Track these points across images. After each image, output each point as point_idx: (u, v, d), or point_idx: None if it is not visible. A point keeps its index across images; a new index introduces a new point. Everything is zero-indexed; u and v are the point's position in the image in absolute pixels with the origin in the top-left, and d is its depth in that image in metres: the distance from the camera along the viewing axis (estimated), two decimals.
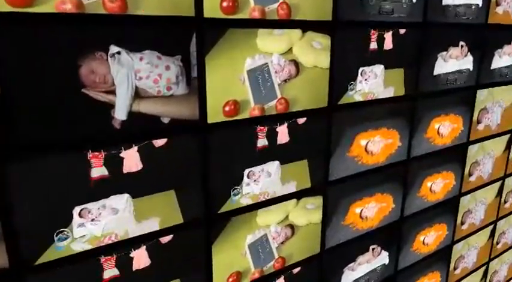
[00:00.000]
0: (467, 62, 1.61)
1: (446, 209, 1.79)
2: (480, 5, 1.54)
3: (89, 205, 0.88)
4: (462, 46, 1.55)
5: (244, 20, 0.98)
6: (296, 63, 1.10)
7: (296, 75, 1.11)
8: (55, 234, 0.85)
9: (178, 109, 0.93)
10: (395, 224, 1.57)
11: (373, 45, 1.26)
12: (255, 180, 1.12)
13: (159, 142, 0.94)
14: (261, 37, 1.02)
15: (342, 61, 1.20)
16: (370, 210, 1.45)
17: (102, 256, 0.93)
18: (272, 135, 1.11)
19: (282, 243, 1.25)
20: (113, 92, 0.85)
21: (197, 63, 0.93)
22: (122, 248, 0.95)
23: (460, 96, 1.64)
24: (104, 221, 0.91)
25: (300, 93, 1.13)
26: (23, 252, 0.82)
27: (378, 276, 1.59)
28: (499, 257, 2.26)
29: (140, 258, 0.98)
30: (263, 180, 1.14)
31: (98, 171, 0.87)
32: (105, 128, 0.86)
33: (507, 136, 1.95)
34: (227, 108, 1.01)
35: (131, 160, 0.91)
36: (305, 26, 1.09)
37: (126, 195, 0.92)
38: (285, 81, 1.09)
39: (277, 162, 1.15)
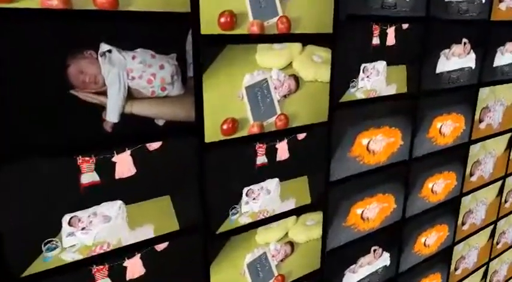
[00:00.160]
0: (469, 60, 1.58)
1: (448, 209, 1.77)
2: (483, 1, 1.50)
3: (79, 213, 0.84)
4: (465, 43, 1.52)
5: (243, 36, 0.95)
6: (296, 78, 1.07)
7: (296, 90, 1.08)
8: (43, 244, 0.80)
9: (173, 110, 0.89)
10: (397, 225, 1.55)
11: (376, 40, 1.22)
12: (254, 199, 1.10)
13: (154, 145, 0.89)
14: (260, 52, 0.99)
15: (343, 57, 1.15)
16: (372, 211, 1.42)
17: (94, 266, 0.88)
18: (271, 152, 1.09)
19: (282, 260, 1.21)
20: (103, 93, 0.80)
21: (194, 74, 0.90)
22: (114, 257, 0.91)
23: (462, 94, 1.62)
24: (95, 230, 0.86)
25: (300, 108, 1.11)
26: (9, 264, 0.78)
27: (379, 278, 1.56)
28: (499, 256, 2.26)
29: (134, 267, 0.94)
30: (262, 198, 1.11)
31: (89, 177, 0.82)
32: (96, 131, 0.81)
33: (508, 135, 1.93)
34: (225, 127, 0.98)
35: (124, 165, 0.86)
36: (305, 39, 1.06)
37: (118, 202, 0.88)
38: (285, 96, 1.06)
39: (276, 180, 1.13)
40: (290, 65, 1.05)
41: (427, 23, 1.34)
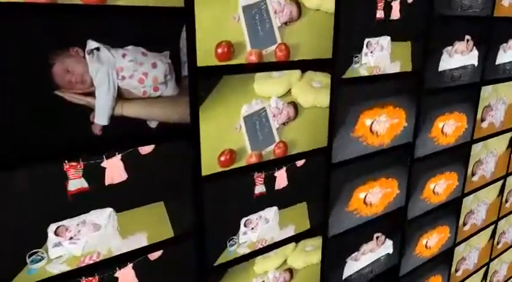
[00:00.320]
0: (472, 57, 1.54)
1: (449, 210, 1.75)
2: None
3: (67, 222, 0.79)
4: (468, 40, 1.47)
5: (241, 66, 0.92)
6: (295, 105, 1.05)
7: (295, 118, 1.06)
8: (27, 255, 0.76)
9: (167, 112, 0.83)
10: (400, 211, 1.50)
11: (380, 13, 1.16)
12: (252, 228, 1.07)
13: (146, 149, 0.85)
14: (258, 81, 0.97)
15: (347, 30, 1.10)
16: (375, 196, 1.38)
17: (83, 278, 0.84)
18: (270, 181, 1.07)
19: None
20: (91, 94, 0.75)
21: (190, 106, 0.87)
22: (105, 268, 0.86)
23: (465, 93, 1.59)
24: (84, 239, 0.81)
25: (299, 135, 1.09)
26: None
27: (381, 267, 1.52)
28: (499, 257, 2.24)
29: (126, 278, 0.89)
30: (261, 227, 1.09)
31: (76, 183, 0.78)
32: (84, 134, 0.77)
33: (510, 134, 1.91)
34: (222, 159, 0.96)
35: (114, 170, 0.81)
36: (305, 65, 1.04)
37: (109, 210, 0.83)
38: (284, 124, 1.04)
39: (275, 208, 1.11)
40: (289, 92, 1.03)
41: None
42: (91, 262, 0.84)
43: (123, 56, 0.75)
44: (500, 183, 1.99)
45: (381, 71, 1.23)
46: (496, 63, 1.66)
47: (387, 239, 1.49)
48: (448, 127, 1.55)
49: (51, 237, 0.77)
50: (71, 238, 0.80)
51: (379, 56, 1.21)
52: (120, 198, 0.84)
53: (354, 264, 1.40)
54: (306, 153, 1.12)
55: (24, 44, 0.67)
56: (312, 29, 1.03)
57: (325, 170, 1.19)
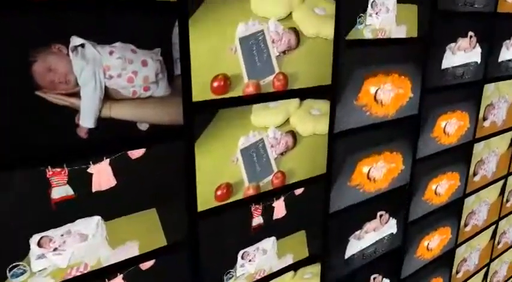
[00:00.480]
0: (475, 55, 1.51)
1: (451, 211, 1.72)
2: None
3: (51, 232, 0.73)
4: (471, 37, 1.43)
5: (238, 99, 0.90)
6: (293, 134, 1.04)
7: (293, 147, 1.04)
8: (8, 269, 0.71)
9: (158, 113, 0.78)
10: (404, 188, 1.45)
11: None
12: (249, 260, 1.05)
13: (136, 153, 0.79)
14: (255, 113, 0.95)
15: None
16: (379, 171, 1.32)
17: None
18: (268, 211, 1.05)
19: None
20: (76, 95, 0.69)
21: (185, 141, 0.85)
22: (94, 279, 0.81)
23: (467, 91, 1.56)
24: (70, 250, 0.76)
25: (298, 164, 1.07)
26: None
27: (385, 247, 1.47)
28: (499, 257, 2.23)
29: None
30: (258, 258, 1.07)
31: (61, 191, 0.72)
32: (68, 138, 0.71)
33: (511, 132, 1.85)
34: (219, 193, 0.94)
35: (102, 176, 0.76)
36: (303, 94, 1.02)
37: (96, 218, 0.78)
38: (282, 154, 1.03)
39: (273, 238, 1.09)
40: (287, 121, 1.02)
41: None
42: (78, 274, 0.79)
43: (111, 53, 0.69)
44: (501, 183, 1.97)
45: (386, 34, 1.17)
46: (499, 60, 1.63)
47: (391, 218, 1.44)
48: (450, 126, 1.52)
49: (34, 249, 0.72)
50: (55, 249, 0.74)
51: (385, 18, 1.15)
52: (108, 206, 0.79)
53: (356, 243, 1.35)
54: (304, 181, 1.10)
55: (1, 40, 0.61)
56: (310, 57, 1.00)
57: (324, 196, 1.18)
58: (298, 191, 1.10)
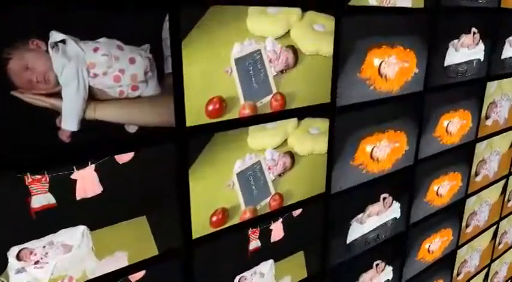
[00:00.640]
0: (478, 52, 1.47)
1: (452, 212, 1.70)
2: None
3: (31, 244, 0.69)
4: (474, 33, 1.38)
5: (233, 121, 0.87)
6: (291, 155, 1.01)
7: (291, 167, 1.01)
8: None
9: (148, 114, 0.72)
10: (409, 170, 1.40)
11: None
12: None
13: (124, 157, 0.74)
14: (252, 135, 0.92)
15: None
16: (382, 150, 1.27)
17: None
18: (265, 234, 1.02)
19: None
20: (57, 95, 0.64)
21: (179, 170, 0.81)
22: None
23: (470, 89, 1.52)
24: (52, 262, 0.72)
25: (296, 184, 1.04)
26: None
27: (388, 232, 1.42)
28: (499, 258, 2.21)
29: None
30: None
31: (41, 199, 0.67)
32: (49, 142, 0.66)
33: None
34: (214, 219, 0.91)
35: (87, 182, 0.71)
36: (301, 113, 0.99)
37: (81, 228, 0.73)
38: (279, 175, 1.00)
39: (271, 261, 1.06)
40: (285, 141, 0.99)
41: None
42: None
43: (95, 50, 0.64)
44: (502, 182, 1.94)
45: (391, 2, 1.11)
46: (502, 57, 1.59)
47: (394, 202, 1.39)
48: (453, 125, 1.49)
49: (13, 263, 0.67)
50: (36, 262, 0.69)
51: None
52: (95, 214, 0.74)
53: (359, 228, 1.30)
54: (303, 202, 1.07)
55: None
56: (309, 75, 0.98)
57: (324, 216, 1.15)
58: (297, 212, 1.07)
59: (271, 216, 1.01)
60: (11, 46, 0.58)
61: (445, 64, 1.34)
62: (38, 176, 0.65)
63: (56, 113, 0.64)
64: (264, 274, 1.04)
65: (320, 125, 1.04)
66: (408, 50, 1.20)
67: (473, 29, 1.40)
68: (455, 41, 1.35)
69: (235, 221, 0.94)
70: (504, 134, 1.79)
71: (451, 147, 1.52)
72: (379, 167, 1.28)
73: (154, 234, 0.82)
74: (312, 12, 0.93)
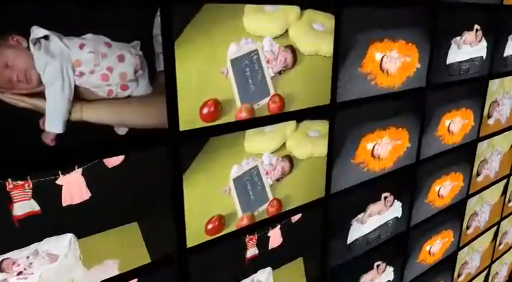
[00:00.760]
0: (480, 49, 1.44)
1: (453, 213, 1.67)
2: None
3: (14, 254, 0.65)
4: (477, 30, 1.35)
5: (230, 125, 0.83)
6: (290, 159, 0.97)
7: (290, 172, 0.98)
8: None
9: (138, 115, 0.68)
10: (410, 169, 1.37)
11: None
12: None
13: (113, 160, 0.70)
14: (249, 138, 0.89)
15: None
16: (384, 148, 1.24)
17: None
18: (263, 241, 0.99)
19: None
20: (40, 95, 0.60)
21: (171, 176, 0.77)
22: None
23: (472, 87, 1.49)
24: (37, 273, 0.68)
25: (294, 189, 1.01)
26: None
27: (389, 232, 1.39)
28: (500, 258, 2.19)
29: None
30: None
31: (24, 206, 0.63)
32: (32, 146, 0.62)
33: None
34: (210, 226, 0.87)
35: (73, 188, 0.67)
36: (301, 115, 0.96)
37: (68, 236, 0.69)
38: (278, 180, 0.97)
39: (269, 269, 1.03)
40: (283, 145, 0.95)
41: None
42: None
43: (81, 46, 0.60)
44: (503, 182, 1.92)
45: None
46: (504, 55, 1.55)
47: (396, 201, 1.36)
48: (455, 125, 1.46)
49: None
50: (19, 273, 0.65)
51: None
52: (82, 221, 0.70)
53: (360, 228, 1.27)
54: (302, 207, 1.04)
55: None
56: (308, 76, 0.94)
57: (323, 221, 1.12)
58: (295, 218, 1.03)
59: (269, 222, 0.98)
60: None
61: (448, 62, 1.31)
62: (21, 182, 0.61)
63: (39, 114, 0.60)
64: None
65: (319, 128, 1.01)
66: (410, 44, 1.17)
67: (476, 26, 1.36)
68: (458, 38, 1.32)
69: (231, 228, 0.90)
70: (506, 133, 1.76)
71: (452, 147, 1.48)
72: (380, 165, 1.25)
73: (146, 241, 0.78)
74: (311, 10, 0.89)
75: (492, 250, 2.07)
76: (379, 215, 1.32)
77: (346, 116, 1.07)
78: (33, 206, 0.63)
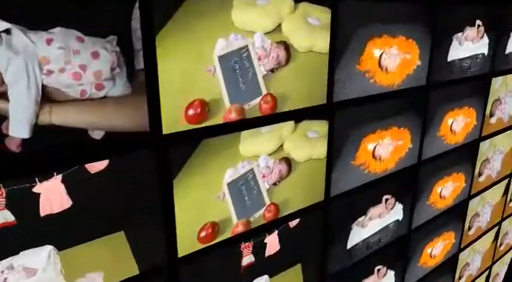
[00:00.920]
0: (482, 46, 1.38)
1: (454, 215, 1.63)
2: None
3: None
4: (479, 26, 1.30)
5: (218, 127, 0.78)
6: (288, 161, 0.93)
7: (288, 175, 0.94)
8: None
9: (116, 117, 0.63)
10: (412, 170, 1.33)
11: None
12: None
13: (96, 166, 0.65)
14: (244, 141, 0.84)
15: None
16: (385, 149, 1.20)
17: None
18: (260, 248, 0.95)
19: None
20: (2, 96, 0.54)
21: (160, 181, 0.73)
22: None
23: (475, 85, 1.44)
24: None
25: (292, 193, 0.97)
26: None
27: (390, 236, 1.35)
28: (500, 259, 2.17)
29: None
30: None
31: None
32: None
33: None
34: (203, 234, 0.83)
35: (53, 196, 0.62)
36: (296, 116, 0.92)
37: (47, 248, 0.64)
38: (275, 184, 0.92)
39: (265, 277, 0.99)
40: (281, 147, 0.91)
41: None
42: None
43: (48, 41, 0.54)
44: (505, 182, 1.89)
45: None
46: (506, 52, 1.50)
47: (397, 203, 1.32)
48: (457, 124, 1.42)
49: None
50: None
51: None
52: (63, 232, 0.65)
53: (360, 231, 1.23)
54: (300, 211, 1.00)
55: None
56: (302, 74, 0.89)
57: (322, 226, 1.08)
58: (293, 223, 0.99)
59: (266, 228, 0.94)
60: None
61: (449, 59, 1.26)
62: None
63: (2, 117, 0.54)
64: None
65: (319, 128, 0.96)
66: (411, 40, 1.12)
67: (478, 22, 1.32)
68: (460, 34, 1.27)
69: (226, 235, 0.86)
70: (508, 132, 1.72)
71: (454, 147, 1.44)
72: (381, 166, 1.20)
73: (134, 251, 0.73)
74: (305, 3, 0.84)
75: (493, 251, 2.04)
76: (380, 218, 1.27)
77: (346, 115, 1.02)
78: (6, 217, 0.58)
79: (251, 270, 0.94)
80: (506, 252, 2.17)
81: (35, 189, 0.60)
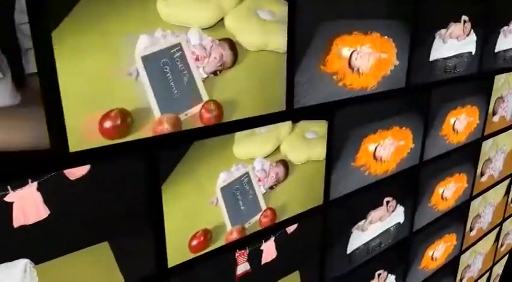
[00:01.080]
0: (469, 44, 1.27)
1: (456, 216, 1.60)
2: None
3: None
4: (465, 21, 1.22)
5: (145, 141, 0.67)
6: (285, 163, 0.89)
7: (285, 178, 0.90)
8: None
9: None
10: (414, 171, 1.29)
11: None
12: None
13: (77, 172, 0.60)
14: (238, 142, 0.80)
15: None
16: (386, 149, 1.16)
17: None
18: (255, 256, 0.91)
19: None
20: None
21: (147, 186, 0.69)
22: None
23: (478, 83, 1.40)
24: None
25: (290, 197, 0.93)
26: None
27: (391, 239, 1.31)
28: (501, 260, 2.15)
29: None
30: None
31: None
32: None
33: None
34: (195, 243, 0.78)
35: (27, 205, 0.57)
36: (247, 125, 0.84)
37: (23, 262, 0.59)
38: (271, 187, 0.89)
39: None
40: (277, 149, 0.87)
41: None
42: None
43: None
44: (506, 182, 1.86)
45: None
46: (495, 50, 1.40)
47: (398, 205, 1.28)
48: (460, 123, 1.38)
49: None
50: None
51: None
52: (40, 244, 0.59)
53: (360, 236, 1.19)
54: (298, 216, 0.96)
55: None
56: (254, 77, 0.77)
57: (321, 230, 1.04)
58: (291, 228, 0.95)
59: (262, 234, 0.89)
60: None
61: (431, 58, 1.15)
62: None
63: None
64: None
65: (317, 129, 0.92)
66: (386, 37, 1.01)
67: (464, 17, 1.21)
68: (443, 30, 1.15)
69: (219, 243, 0.81)
70: (510, 131, 1.69)
71: (457, 147, 1.40)
72: (382, 168, 1.16)
73: (119, 263, 0.68)
74: None
75: (494, 252, 2.02)
76: (381, 222, 1.23)
77: (346, 115, 0.97)
78: None
79: (246, 279, 0.89)
80: (507, 253, 2.15)
81: (7, 198, 0.54)
